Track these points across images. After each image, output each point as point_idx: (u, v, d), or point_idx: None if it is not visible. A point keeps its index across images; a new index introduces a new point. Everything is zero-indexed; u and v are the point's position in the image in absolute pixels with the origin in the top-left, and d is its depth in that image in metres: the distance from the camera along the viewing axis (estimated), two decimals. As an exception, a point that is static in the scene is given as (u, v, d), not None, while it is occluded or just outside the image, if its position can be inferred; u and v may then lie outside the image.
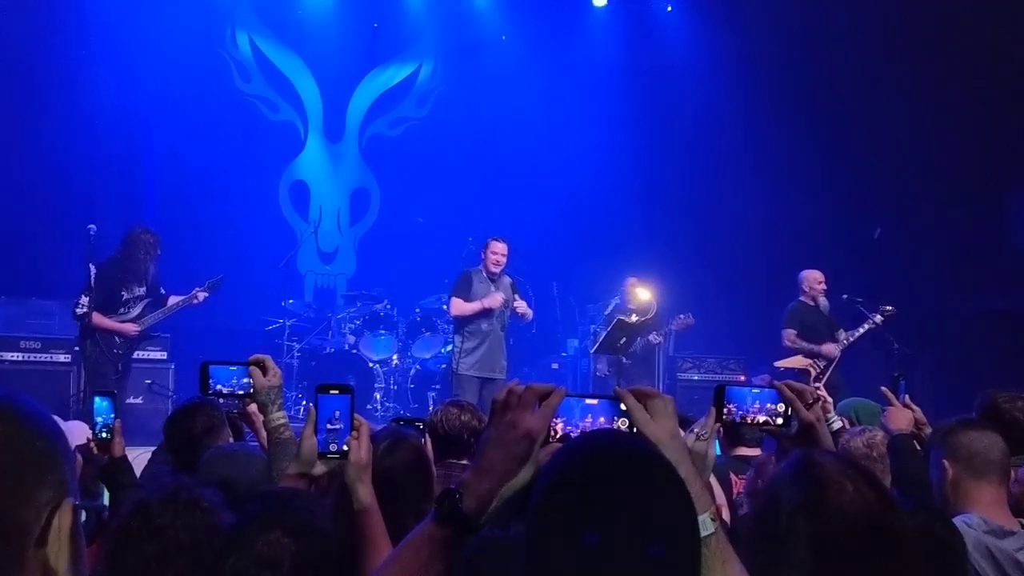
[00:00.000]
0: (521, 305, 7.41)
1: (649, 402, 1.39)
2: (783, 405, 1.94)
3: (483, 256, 7.42)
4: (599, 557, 1.08)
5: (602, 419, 1.39)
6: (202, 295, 7.08)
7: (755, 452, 3.76)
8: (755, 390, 1.98)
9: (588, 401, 1.40)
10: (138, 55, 9.50)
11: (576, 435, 1.36)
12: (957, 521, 2.35)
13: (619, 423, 1.40)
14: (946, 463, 2.59)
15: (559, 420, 1.36)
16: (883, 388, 3.36)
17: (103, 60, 9.30)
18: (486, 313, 7.25)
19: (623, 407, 1.38)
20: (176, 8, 9.86)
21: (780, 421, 1.94)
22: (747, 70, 10.28)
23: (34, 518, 0.92)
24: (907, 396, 3.33)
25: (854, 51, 9.63)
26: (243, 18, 10.72)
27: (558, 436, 1.35)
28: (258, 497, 1.89)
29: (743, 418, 1.94)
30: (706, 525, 1.29)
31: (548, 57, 10.87)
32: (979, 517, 2.44)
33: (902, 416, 3.21)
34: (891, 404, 3.30)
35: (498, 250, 7.35)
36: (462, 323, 7.32)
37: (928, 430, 3.22)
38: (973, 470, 2.56)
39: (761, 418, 1.94)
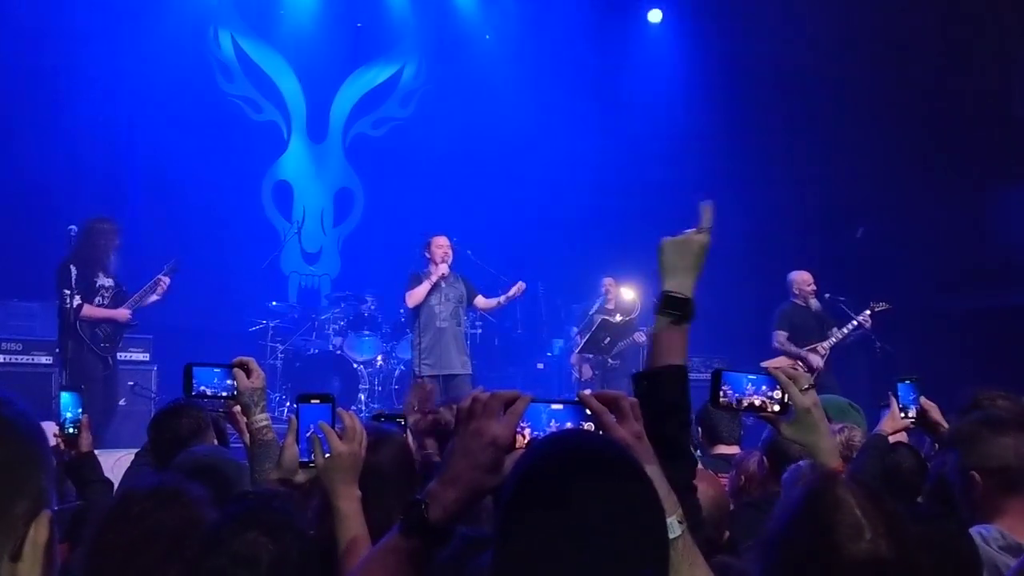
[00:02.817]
0: (484, 301, 7.46)
1: (614, 405, 1.38)
2: (779, 392, 1.96)
3: (428, 255, 7.31)
4: (566, 555, 1.08)
5: (568, 424, 1.38)
6: (166, 280, 6.99)
7: (734, 450, 3.78)
8: (751, 376, 2.00)
9: (554, 407, 1.39)
10: (120, 55, 9.43)
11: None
12: (973, 532, 2.24)
13: (585, 427, 1.39)
14: (975, 475, 2.30)
15: (525, 426, 1.35)
16: (889, 393, 3.34)
17: (85, 60, 9.23)
18: (439, 310, 7.18)
19: (588, 411, 1.38)
20: (158, 8, 9.80)
21: (777, 408, 1.96)
22: (729, 71, 10.33)
23: (9, 532, 0.87)
24: (923, 398, 3.25)
25: (835, 52, 9.69)
26: (226, 18, 10.67)
27: (526, 442, 1.34)
28: (237, 497, 1.89)
29: (739, 401, 1.96)
30: (673, 528, 1.28)
31: (532, 56, 10.88)
32: (998, 531, 2.22)
33: (890, 423, 3.22)
34: (889, 408, 3.30)
35: (442, 244, 7.27)
36: (417, 323, 7.22)
37: (945, 428, 3.16)
38: (1006, 482, 2.28)
39: (757, 400, 1.96)
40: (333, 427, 1.98)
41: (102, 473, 3.16)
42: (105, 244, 6.88)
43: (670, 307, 1.77)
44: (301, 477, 2.02)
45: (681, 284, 1.79)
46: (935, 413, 3.24)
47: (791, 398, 1.96)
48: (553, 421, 1.37)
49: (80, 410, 3.16)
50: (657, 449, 1.41)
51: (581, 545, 1.08)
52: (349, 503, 1.88)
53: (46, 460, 0.93)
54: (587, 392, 1.43)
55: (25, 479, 0.89)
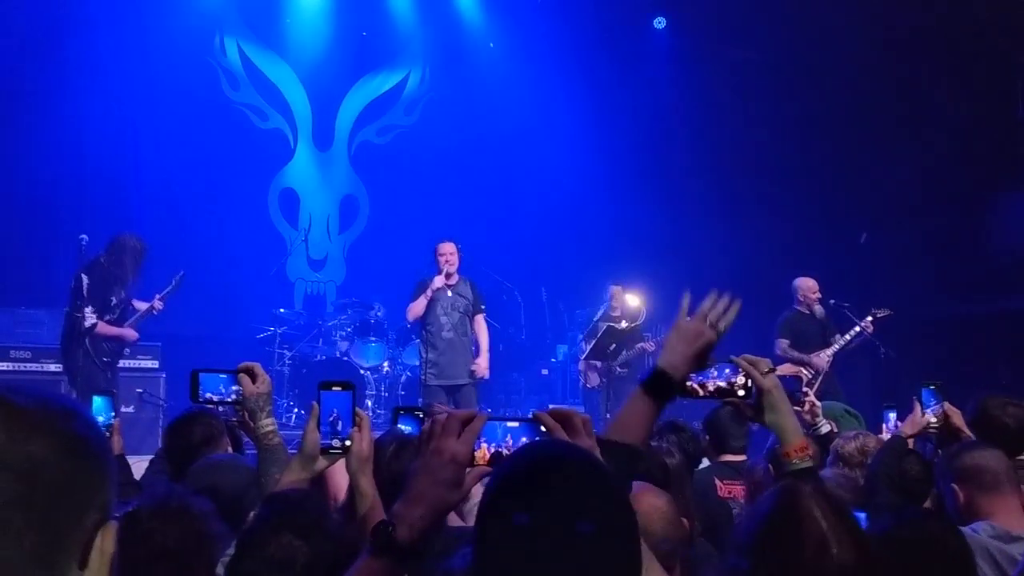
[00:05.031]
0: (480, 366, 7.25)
1: (567, 422, 1.44)
2: (742, 377, 2.07)
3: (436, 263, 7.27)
4: (542, 554, 1.12)
5: (524, 439, 1.44)
6: (159, 304, 6.98)
7: (740, 458, 3.82)
8: (714, 366, 2.11)
9: (510, 424, 1.46)
10: (127, 64, 9.48)
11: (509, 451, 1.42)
12: (965, 530, 2.37)
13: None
14: (955, 487, 2.68)
15: (482, 442, 1.41)
16: (913, 397, 3.39)
17: (92, 69, 9.28)
18: (444, 321, 7.09)
19: (543, 428, 1.44)
20: (164, 16, 9.85)
21: (741, 393, 2.07)
22: (732, 80, 10.36)
23: (78, 542, 0.90)
24: (946, 403, 3.33)
25: (836, 58, 9.72)
26: (232, 26, 10.73)
27: (488, 458, 1.41)
28: (270, 499, 1.92)
29: (703, 385, 2.06)
30: None
31: (536, 64, 10.92)
32: (987, 524, 2.51)
33: (911, 426, 3.28)
34: (913, 411, 3.35)
35: (445, 251, 7.16)
36: (423, 333, 7.15)
37: (966, 433, 3.25)
38: (982, 486, 2.63)
39: (722, 383, 2.07)
40: (354, 414, 2.04)
41: (132, 476, 3.20)
42: (132, 262, 6.84)
43: (655, 382, 1.86)
44: (321, 464, 2.05)
45: (674, 365, 1.89)
46: (957, 419, 3.30)
47: (753, 381, 2.05)
48: (509, 436, 1.44)
49: (112, 414, 3.22)
50: None
51: (556, 543, 1.12)
52: (369, 481, 1.99)
53: (112, 471, 0.96)
54: (550, 408, 1.50)
55: (96, 492, 0.92)
